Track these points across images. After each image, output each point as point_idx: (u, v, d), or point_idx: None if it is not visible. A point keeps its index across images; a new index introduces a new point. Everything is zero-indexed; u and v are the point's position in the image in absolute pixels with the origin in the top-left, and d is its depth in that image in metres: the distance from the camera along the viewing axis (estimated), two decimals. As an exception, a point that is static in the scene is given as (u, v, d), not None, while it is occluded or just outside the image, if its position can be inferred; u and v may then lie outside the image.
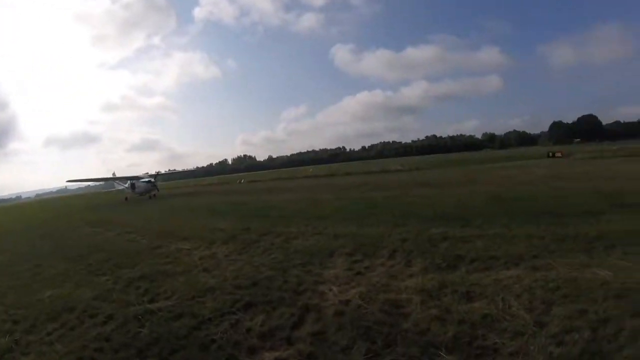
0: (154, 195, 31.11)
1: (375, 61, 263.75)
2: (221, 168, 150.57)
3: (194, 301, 5.07)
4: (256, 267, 6.40)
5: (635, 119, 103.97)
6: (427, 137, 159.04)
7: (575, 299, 4.13)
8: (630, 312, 3.63)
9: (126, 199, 31.83)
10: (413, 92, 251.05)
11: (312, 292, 4.97)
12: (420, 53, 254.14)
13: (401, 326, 3.86)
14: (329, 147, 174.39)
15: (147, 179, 32.20)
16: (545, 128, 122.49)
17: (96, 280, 6.65)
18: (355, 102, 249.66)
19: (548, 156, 36.31)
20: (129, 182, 33.68)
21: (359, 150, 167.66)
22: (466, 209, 10.28)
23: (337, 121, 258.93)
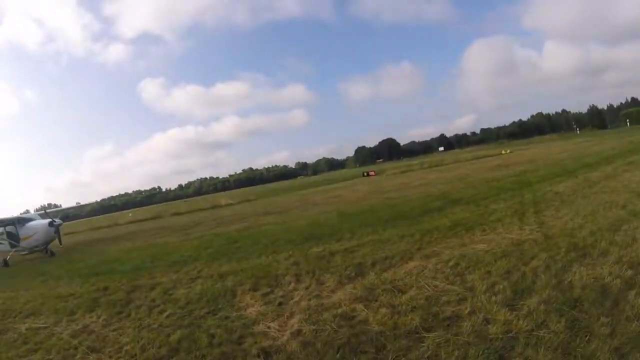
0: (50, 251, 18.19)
1: (185, 96, 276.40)
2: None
3: None
4: (156, 330, 5.46)
5: (427, 138, 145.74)
6: (243, 170, 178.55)
7: (475, 267, 5.90)
8: (522, 261, 5.75)
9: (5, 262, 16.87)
10: (224, 128, 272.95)
11: (252, 337, 4.65)
12: (229, 89, 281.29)
13: (373, 330, 4.27)
14: (142, 188, 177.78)
15: (46, 219, 18.32)
16: (351, 153, 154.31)
17: None
18: (166, 139, 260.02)
19: (363, 175, 45.77)
20: (3, 229, 18.24)
21: (175, 188, 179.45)
22: (324, 227, 11.95)
23: (148, 159, 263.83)
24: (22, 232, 17.77)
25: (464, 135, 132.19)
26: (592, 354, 3.24)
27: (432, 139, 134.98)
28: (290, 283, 6.58)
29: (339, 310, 4.98)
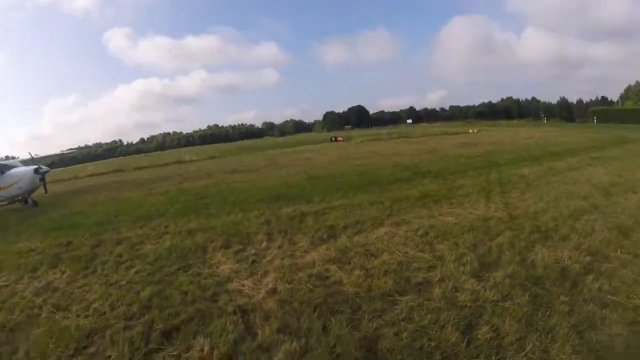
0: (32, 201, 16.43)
1: (153, 48, 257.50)
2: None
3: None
4: (125, 287, 5.24)
5: (397, 109, 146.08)
6: (208, 126, 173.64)
7: (444, 237, 6.19)
8: (488, 237, 6.08)
9: None
10: (191, 82, 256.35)
11: (226, 294, 4.63)
12: (200, 42, 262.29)
13: (348, 291, 4.40)
14: (104, 141, 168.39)
15: (31, 166, 16.27)
16: (319, 117, 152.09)
17: None
18: (130, 91, 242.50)
19: (331, 140, 45.63)
20: None
21: (137, 142, 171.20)
22: (294, 188, 12.01)
23: (111, 112, 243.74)
24: (3, 180, 15.88)
25: (433, 110, 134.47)
26: (552, 328, 3.53)
27: (401, 111, 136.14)
28: (262, 242, 6.60)
29: (314, 271, 5.09)
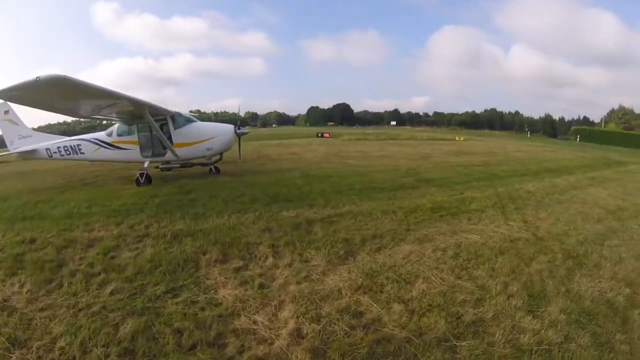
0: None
1: (139, 25, 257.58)
2: None
3: None
4: (99, 316, 3.99)
5: (381, 110, 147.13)
6: (191, 111, 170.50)
7: (477, 261, 5.57)
8: (523, 261, 5.67)
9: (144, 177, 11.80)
10: (176, 65, 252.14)
11: (235, 336, 3.56)
12: (187, 24, 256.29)
13: (395, 335, 3.57)
14: (83, 120, 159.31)
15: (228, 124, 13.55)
16: (303, 111, 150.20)
17: None
18: (114, 69, 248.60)
19: (317, 136, 44.55)
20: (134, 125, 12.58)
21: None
22: (290, 187, 10.78)
23: None
24: (187, 133, 12.31)
25: (417, 114, 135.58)
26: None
27: (385, 112, 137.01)
28: (266, 256, 5.54)
29: (342, 303, 4.16)
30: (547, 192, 11.60)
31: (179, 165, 13.00)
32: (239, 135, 13.47)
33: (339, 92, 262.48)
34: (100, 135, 13.05)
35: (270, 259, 5.44)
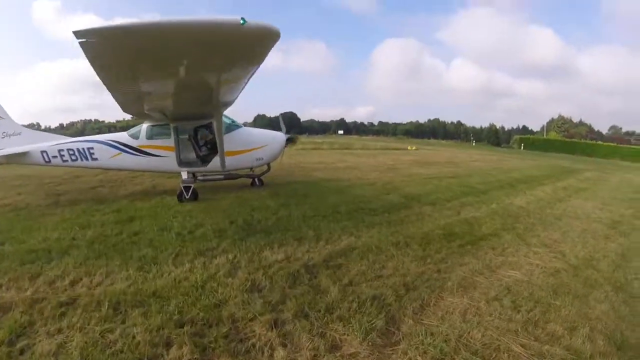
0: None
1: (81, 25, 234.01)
2: None
3: None
4: None
5: (327, 119, 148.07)
6: (132, 117, 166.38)
7: (540, 309, 4.47)
8: (587, 305, 4.72)
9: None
10: None
11: None
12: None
13: None
14: (20, 123, 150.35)
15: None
16: (249, 119, 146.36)
17: None
18: (54, 69, 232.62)
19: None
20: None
21: (56, 127, 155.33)
22: (261, 211, 8.71)
23: (29, 91, 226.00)
24: (237, 140, 10.35)
25: (362, 124, 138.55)
26: None
27: (332, 121, 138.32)
28: (271, 347, 3.50)
29: None
30: (538, 207, 11.08)
31: (222, 177, 11.10)
32: (288, 142, 12.08)
33: (286, 101, 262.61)
34: (122, 136, 10.57)
35: (280, 352, 3.41)
